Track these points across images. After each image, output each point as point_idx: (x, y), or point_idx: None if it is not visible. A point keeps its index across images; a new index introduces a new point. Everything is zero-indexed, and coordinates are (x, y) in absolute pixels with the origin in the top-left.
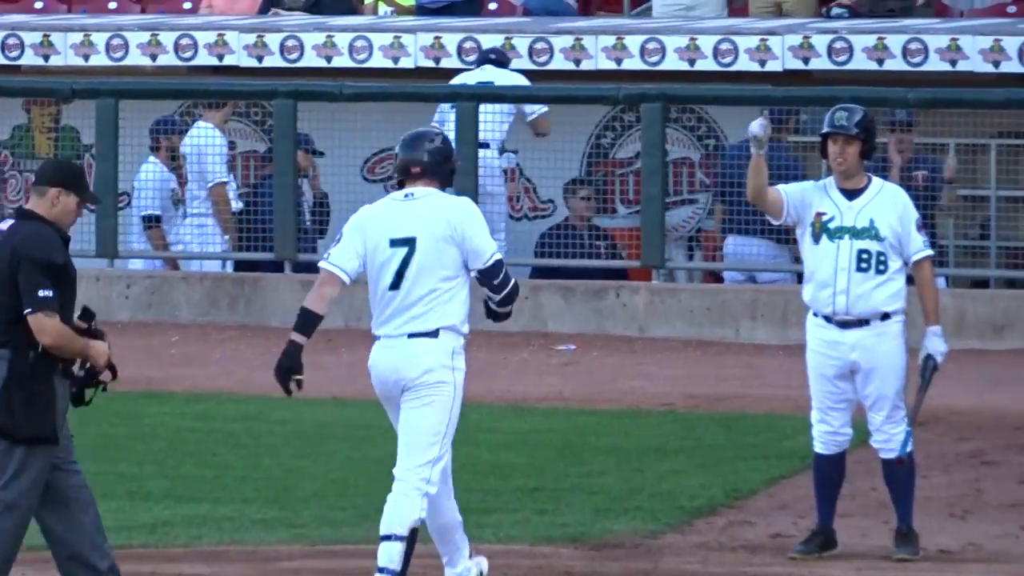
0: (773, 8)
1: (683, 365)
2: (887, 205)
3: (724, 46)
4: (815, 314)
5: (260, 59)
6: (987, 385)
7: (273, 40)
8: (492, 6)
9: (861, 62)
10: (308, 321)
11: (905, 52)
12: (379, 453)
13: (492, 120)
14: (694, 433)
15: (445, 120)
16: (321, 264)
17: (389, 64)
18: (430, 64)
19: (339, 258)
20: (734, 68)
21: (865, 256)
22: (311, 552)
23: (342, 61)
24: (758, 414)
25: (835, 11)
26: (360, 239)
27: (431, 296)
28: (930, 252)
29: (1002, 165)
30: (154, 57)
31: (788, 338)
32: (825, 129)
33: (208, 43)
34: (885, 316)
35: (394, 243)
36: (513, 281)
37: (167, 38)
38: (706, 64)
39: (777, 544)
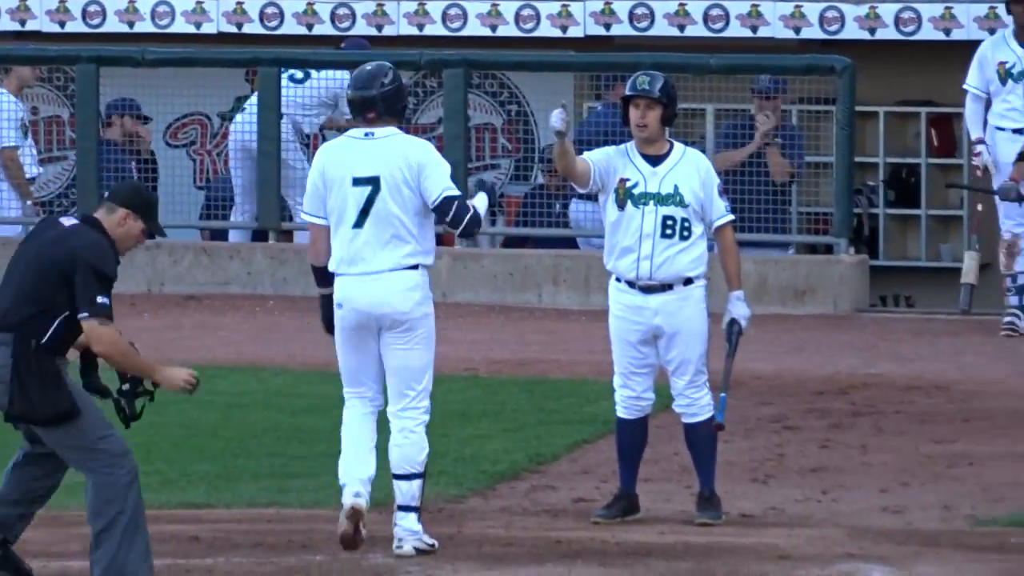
0: None
1: (486, 330)
2: (690, 171)
3: (526, 12)
4: (618, 279)
5: (63, 24)
6: (789, 350)
7: (75, 6)
8: None
9: (663, 28)
10: (323, 274)
11: (706, 18)
12: (182, 419)
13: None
14: (497, 398)
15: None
16: (303, 216)
17: (192, 30)
18: (232, 30)
19: (312, 206)
20: (536, 34)
21: (670, 222)
22: None
23: (145, 27)
24: (561, 379)
25: None
26: (320, 180)
27: (399, 233)
28: (732, 217)
29: (803, 131)
30: None
31: (590, 303)
32: (627, 92)
33: (10, 8)
34: (688, 281)
35: (357, 182)
36: (470, 214)
37: None
38: (508, 30)
39: (580, 508)
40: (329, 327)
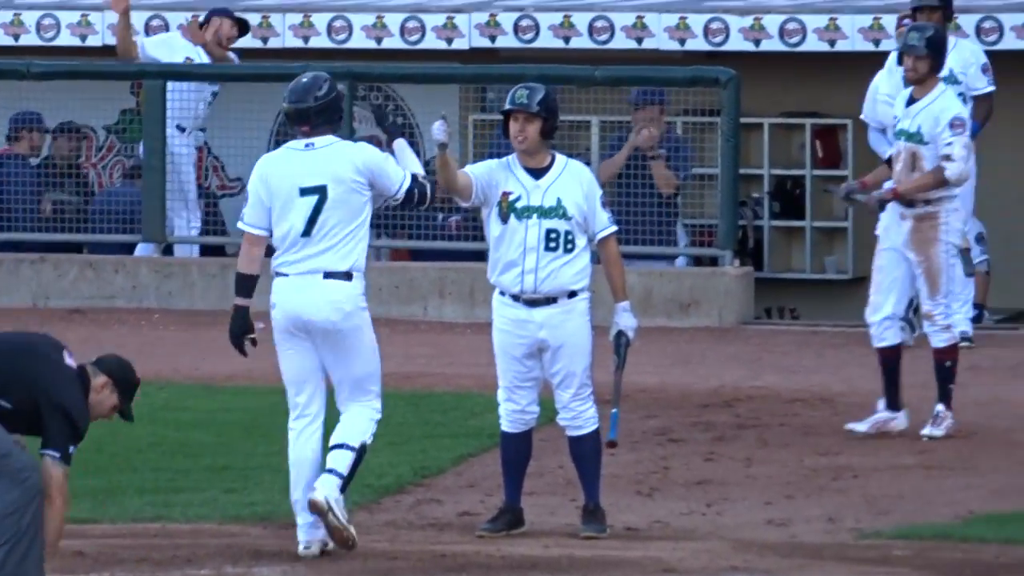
0: None
1: None
2: (572, 183)
3: (411, 24)
4: (502, 293)
5: None
6: (674, 363)
7: None
8: None
9: (548, 40)
10: (246, 284)
11: (591, 30)
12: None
13: (188, 99)
14: (383, 411)
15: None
16: (240, 226)
17: (77, 42)
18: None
19: (253, 217)
20: (421, 46)
21: (553, 235)
22: None
23: (30, 39)
24: (446, 392)
25: None
26: (265, 192)
27: (342, 240)
28: (614, 228)
29: (689, 143)
30: None
31: (475, 316)
32: (506, 107)
33: None
34: (572, 294)
35: (304, 191)
36: (428, 190)
37: None
38: (393, 42)
39: (465, 522)
40: (236, 339)
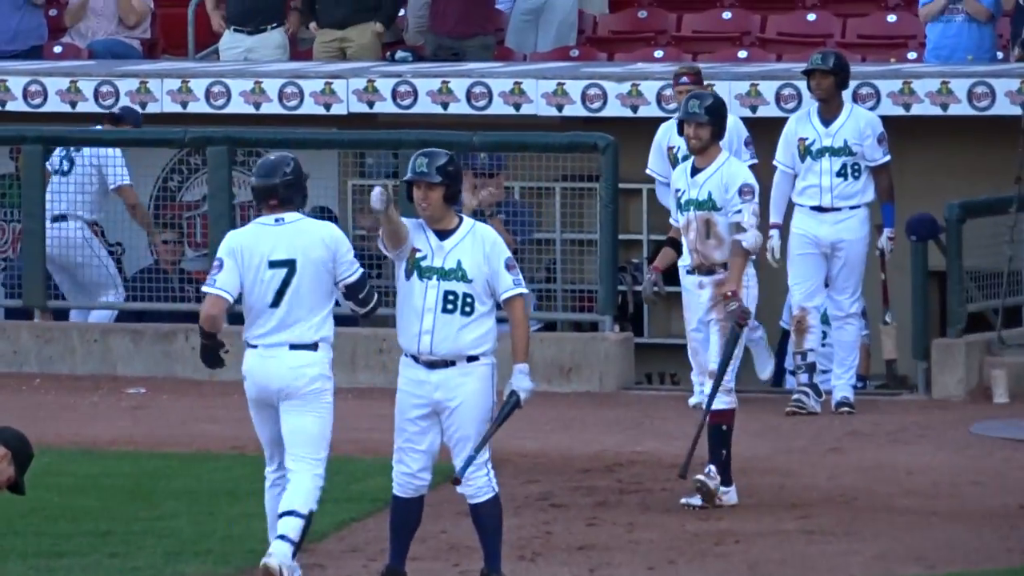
0: (337, 53)
1: None
2: (476, 246)
3: (289, 89)
4: (405, 354)
5: None
6: (555, 428)
7: None
8: (57, 49)
9: (426, 105)
10: (209, 336)
11: (469, 95)
12: None
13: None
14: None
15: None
16: (206, 289)
17: None
18: None
19: (224, 282)
20: (300, 111)
21: (451, 297)
22: None
23: None
24: (329, 457)
25: (399, 55)
26: (236, 262)
27: (310, 312)
28: (521, 290)
29: (567, 208)
30: None
31: (357, 381)
32: (407, 176)
33: None
34: (472, 358)
35: (273, 264)
36: (376, 298)
37: None
38: (272, 107)
39: None
40: (208, 361)
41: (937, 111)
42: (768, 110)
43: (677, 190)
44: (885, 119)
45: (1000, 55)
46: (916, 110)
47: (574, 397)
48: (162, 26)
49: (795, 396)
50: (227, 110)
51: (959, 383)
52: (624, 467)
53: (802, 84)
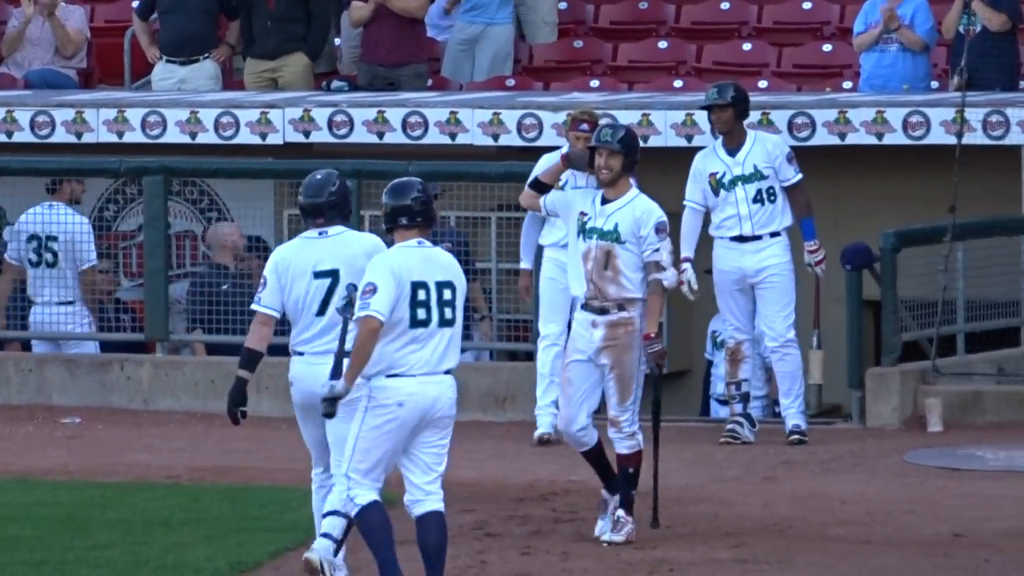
0: (268, 83)
1: (188, 438)
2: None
3: (225, 119)
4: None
5: None
6: (489, 457)
7: None
8: None
9: (362, 135)
10: (252, 359)
11: (405, 125)
12: None
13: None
14: (199, 505)
15: None
16: (255, 307)
17: None
18: None
19: (268, 300)
20: (235, 141)
21: None
22: None
23: None
24: (262, 486)
25: (335, 84)
26: (279, 277)
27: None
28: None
29: (502, 238)
30: None
31: (290, 411)
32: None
33: None
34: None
35: (318, 275)
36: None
37: None
38: (208, 137)
39: None
40: (232, 410)
41: (872, 140)
42: (704, 139)
43: (583, 213)
44: (821, 148)
45: (935, 84)
46: (851, 139)
47: (509, 426)
48: (98, 56)
49: (729, 426)
50: (163, 140)
51: (893, 412)
52: (559, 496)
53: None
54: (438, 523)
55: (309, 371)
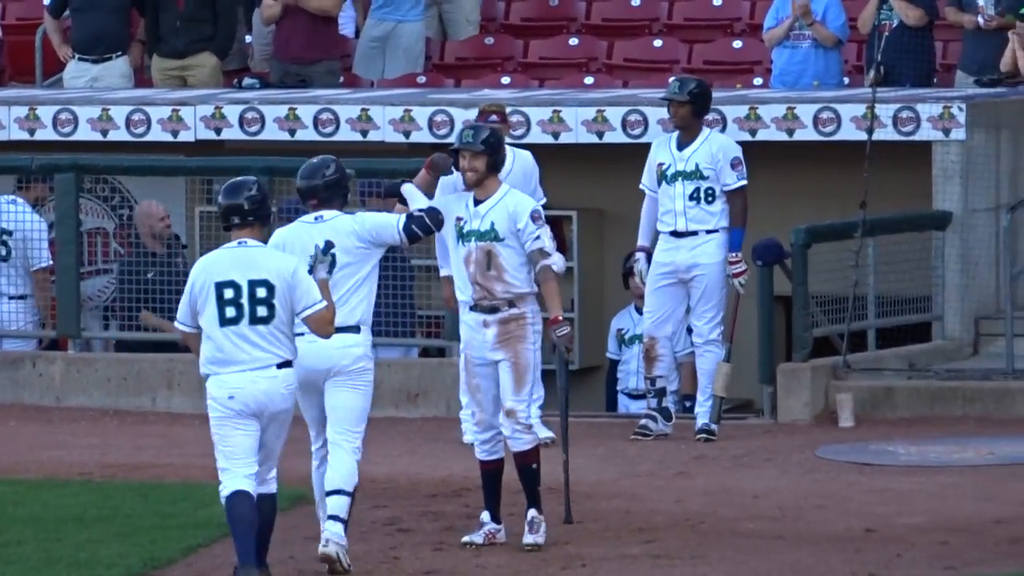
0: (177, 81)
1: (100, 434)
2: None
3: (136, 116)
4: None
5: None
6: (402, 453)
7: None
8: None
9: (273, 132)
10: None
11: (316, 122)
12: None
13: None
14: (111, 502)
15: None
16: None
17: None
18: None
19: None
20: (147, 139)
21: None
22: None
23: None
24: (175, 483)
25: (246, 82)
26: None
27: (351, 294)
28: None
29: None
30: None
31: (204, 407)
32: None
33: None
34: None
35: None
36: (427, 221)
37: None
38: (119, 135)
39: None
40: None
41: (783, 136)
42: (615, 136)
43: (459, 218)
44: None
45: (847, 80)
46: (762, 135)
47: (421, 422)
48: (9, 53)
49: (642, 421)
50: (74, 137)
51: (805, 407)
52: (471, 492)
53: (649, 110)
54: (270, 505)
55: (309, 349)
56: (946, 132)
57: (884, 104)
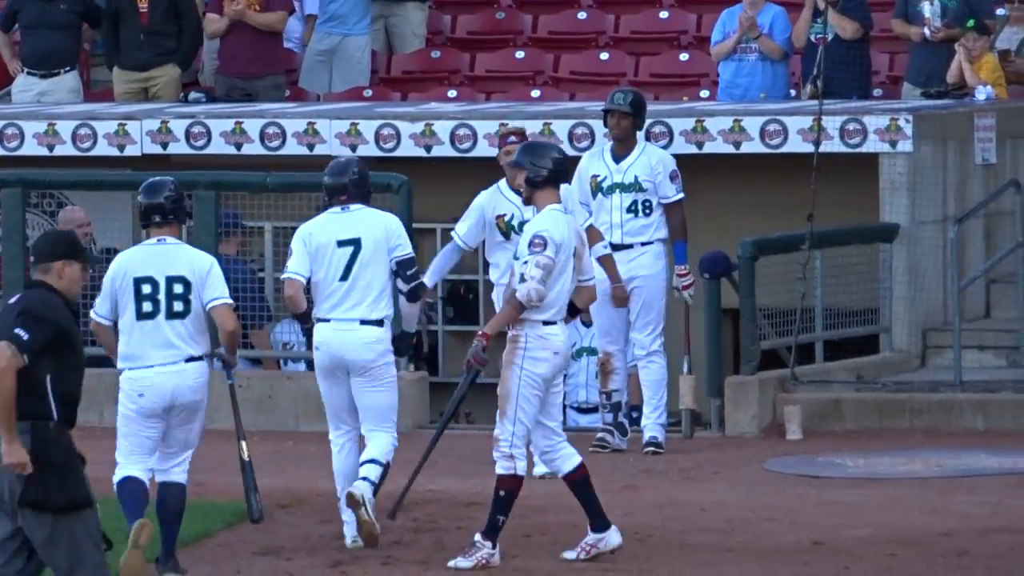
0: (140, 94)
1: None
2: None
3: (83, 131)
4: None
5: None
6: None
7: None
8: None
9: (220, 146)
10: (304, 313)
11: (263, 136)
12: None
13: None
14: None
15: None
16: (284, 276)
17: None
18: None
19: (295, 266)
20: (93, 153)
21: None
22: None
23: None
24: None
25: (192, 96)
26: (306, 247)
27: (374, 287)
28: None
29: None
30: None
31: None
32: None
33: None
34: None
35: (341, 243)
36: (420, 280)
37: None
38: (65, 149)
39: None
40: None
41: (730, 149)
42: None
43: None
44: (678, 157)
45: (793, 93)
46: (709, 148)
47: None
48: None
49: (599, 435)
50: (20, 152)
51: (753, 420)
52: (419, 506)
53: (596, 123)
54: (175, 494)
55: (338, 336)
56: (893, 144)
57: (831, 116)
